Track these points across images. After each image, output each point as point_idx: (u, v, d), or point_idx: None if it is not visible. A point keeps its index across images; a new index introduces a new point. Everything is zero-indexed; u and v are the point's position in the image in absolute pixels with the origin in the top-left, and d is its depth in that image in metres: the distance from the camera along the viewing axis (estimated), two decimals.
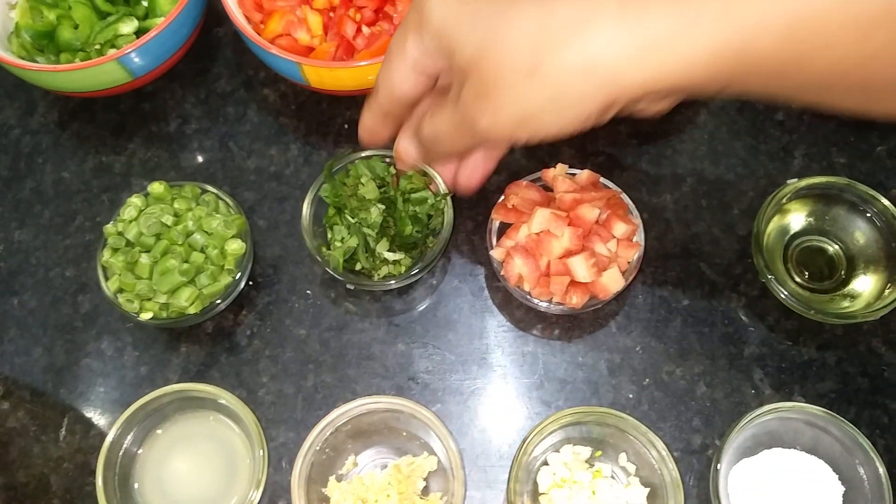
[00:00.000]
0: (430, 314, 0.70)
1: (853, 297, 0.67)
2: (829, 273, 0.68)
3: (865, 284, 0.67)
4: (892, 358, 0.67)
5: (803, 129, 0.75)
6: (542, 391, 0.67)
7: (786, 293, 0.64)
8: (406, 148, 0.63)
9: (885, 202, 0.66)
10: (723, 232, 0.71)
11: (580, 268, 0.63)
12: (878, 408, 0.65)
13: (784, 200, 0.67)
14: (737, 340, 0.68)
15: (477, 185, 0.65)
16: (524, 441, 0.60)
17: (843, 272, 0.68)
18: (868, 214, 0.68)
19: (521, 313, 0.69)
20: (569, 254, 0.63)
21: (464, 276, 0.71)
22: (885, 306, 0.63)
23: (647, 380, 0.67)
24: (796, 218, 0.69)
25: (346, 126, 0.77)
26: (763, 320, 0.68)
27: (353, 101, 0.78)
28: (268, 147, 0.77)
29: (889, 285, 0.65)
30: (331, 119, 0.77)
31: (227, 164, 0.76)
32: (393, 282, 0.66)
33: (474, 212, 0.73)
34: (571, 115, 0.47)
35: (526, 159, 0.75)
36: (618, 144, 0.75)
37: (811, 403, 0.64)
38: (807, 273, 0.68)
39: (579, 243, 0.63)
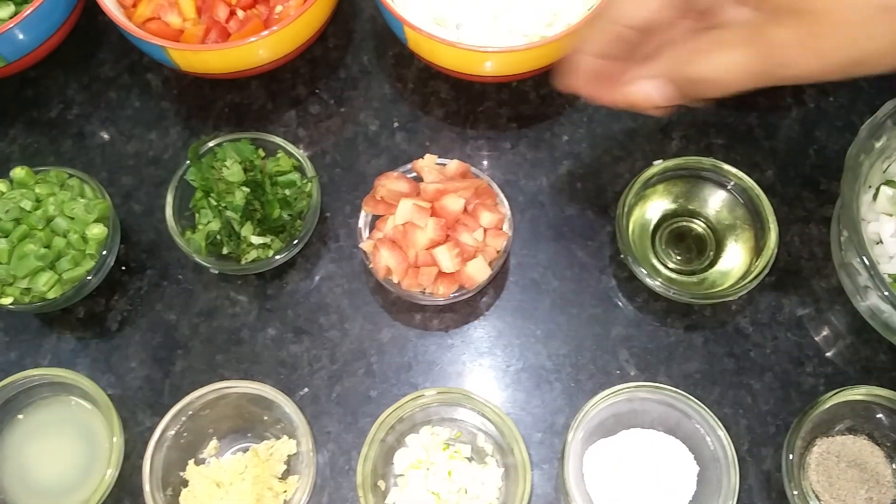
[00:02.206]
0: (303, 299, 0.69)
1: (723, 274, 0.67)
2: (698, 253, 0.69)
3: (733, 262, 0.67)
4: (758, 338, 0.67)
5: (682, 111, 0.75)
6: (410, 373, 0.67)
7: (644, 271, 0.64)
8: (657, 90, 0.49)
9: (748, 180, 0.66)
10: (597, 214, 0.71)
11: (444, 258, 0.63)
12: (743, 388, 0.66)
13: (650, 183, 0.67)
14: (604, 322, 0.68)
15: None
16: (378, 422, 0.60)
17: (711, 252, 0.68)
18: (734, 193, 0.68)
19: (394, 297, 0.69)
20: (434, 244, 0.63)
21: (340, 261, 0.71)
22: (747, 283, 0.63)
23: (514, 361, 0.67)
24: (664, 200, 0.69)
25: (226, 109, 0.77)
26: (632, 301, 0.69)
27: (235, 85, 0.77)
28: (148, 132, 0.76)
29: (754, 260, 0.66)
30: (212, 103, 0.77)
31: (107, 149, 0.76)
32: (254, 265, 0.66)
33: (352, 195, 0.73)
34: None
35: (407, 143, 0.75)
36: (498, 128, 0.75)
37: (677, 384, 0.65)
38: (677, 255, 0.69)
39: (443, 234, 0.63)
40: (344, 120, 0.76)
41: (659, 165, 0.66)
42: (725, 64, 0.45)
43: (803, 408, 0.60)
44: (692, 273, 0.68)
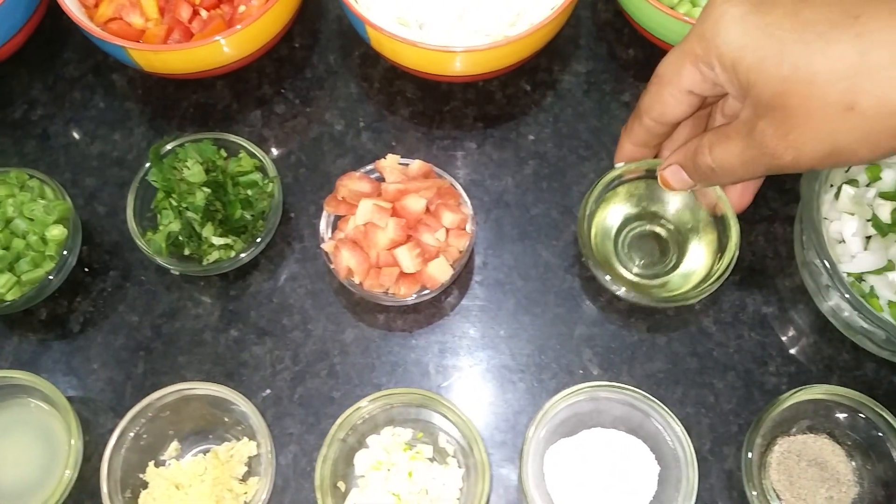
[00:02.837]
0: (267, 300, 0.69)
1: (685, 276, 0.67)
2: (661, 256, 0.68)
3: (696, 263, 0.67)
4: (722, 338, 0.67)
5: None
6: (373, 374, 0.67)
7: (607, 277, 0.63)
8: (676, 176, 0.58)
9: None
10: (561, 214, 0.71)
11: (405, 258, 0.62)
12: (705, 387, 0.66)
13: (611, 186, 0.67)
14: (568, 321, 0.68)
15: (750, 201, 0.63)
16: (337, 423, 0.60)
17: (675, 255, 0.68)
18: (695, 194, 0.68)
19: (357, 298, 0.69)
20: (395, 245, 0.63)
21: (304, 262, 0.71)
22: (708, 286, 0.63)
23: (478, 361, 0.67)
24: (626, 203, 0.69)
25: (191, 109, 0.76)
26: (596, 301, 0.68)
27: (200, 85, 0.77)
28: (112, 132, 0.76)
29: (717, 261, 0.65)
30: (177, 103, 0.77)
31: (71, 149, 0.75)
32: (216, 266, 0.65)
33: (317, 195, 0.73)
34: (886, 146, 0.45)
35: (372, 143, 0.75)
36: (464, 128, 0.75)
37: (639, 383, 0.65)
38: (640, 259, 0.68)
39: (404, 234, 0.63)
40: (309, 120, 0.75)
41: (620, 168, 0.66)
42: (725, 155, 0.52)
43: (765, 407, 0.60)
44: (655, 276, 0.68)
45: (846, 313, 0.63)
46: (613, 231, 0.68)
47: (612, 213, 0.68)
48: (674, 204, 0.68)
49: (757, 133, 0.49)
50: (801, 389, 0.60)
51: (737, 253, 0.63)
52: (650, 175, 0.68)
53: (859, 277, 0.65)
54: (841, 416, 0.62)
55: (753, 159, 0.50)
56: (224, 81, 0.77)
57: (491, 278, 0.70)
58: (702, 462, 0.63)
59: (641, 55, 0.77)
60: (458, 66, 0.67)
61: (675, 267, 0.68)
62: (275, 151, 0.74)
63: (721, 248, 0.65)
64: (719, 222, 0.66)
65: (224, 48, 0.67)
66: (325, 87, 0.77)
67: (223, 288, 0.70)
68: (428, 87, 0.76)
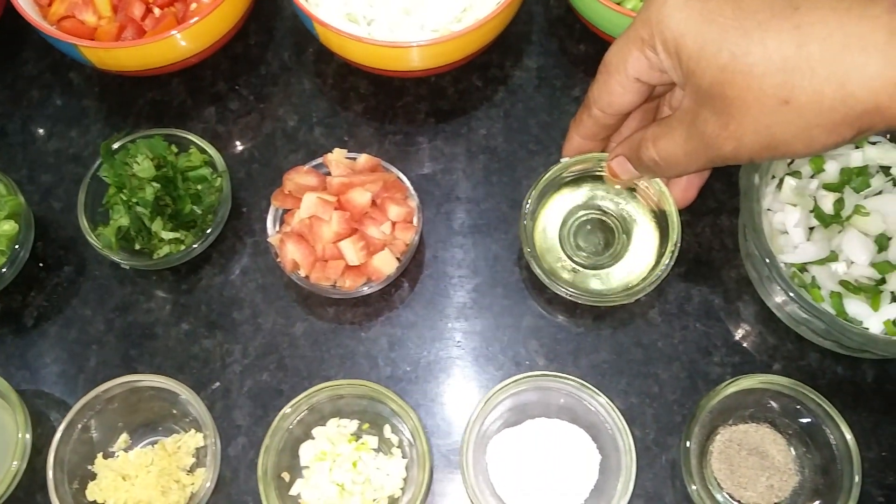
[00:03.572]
0: (217, 294, 0.70)
1: (629, 271, 0.68)
2: (605, 248, 0.69)
3: (639, 258, 0.68)
4: (667, 328, 0.68)
5: None
6: (322, 367, 0.67)
7: (546, 277, 0.63)
8: (622, 167, 0.59)
9: None
10: (511, 208, 0.72)
11: (349, 251, 0.63)
12: (650, 378, 0.66)
13: (554, 181, 0.67)
14: (516, 313, 0.68)
15: (694, 197, 0.62)
16: (280, 414, 0.61)
17: (620, 246, 0.69)
18: (639, 192, 0.68)
19: (307, 291, 0.70)
20: (340, 238, 0.64)
21: (255, 256, 0.71)
22: (647, 284, 0.63)
23: (425, 354, 0.68)
24: (571, 196, 0.69)
25: (147, 107, 0.77)
26: (543, 293, 0.69)
27: (156, 82, 0.78)
28: (69, 129, 0.77)
29: (660, 256, 0.66)
30: (132, 100, 0.77)
31: (28, 146, 0.76)
32: (166, 260, 0.66)
33: (269, 190, 0.72)
34: (822, 141, 0.45)
35: (325, 138, 0.75)
36: (416, 123, 0.76)
37: (585, 374, 0.66)
38: (585, 250, 0.69)
39: (348, 227, 0.64)
40: (263, 116, 0.76)
41: (565, 162, 0.66)
42: (669, 146, 0.52)
43: (703, 397, 0.61)
44: (600, 266, 0.68)
45: (788, 306, 0.63)
46: (560, 222, 0.69)
47: (559, 206, 0.69)
48: (618, 199, 0.69)
49: (699, 122, 0.48)
50: (737, 379, 0.60)
51: (677, 251, 0.63)
52: (596, 168, 0.69)
53: (802, 268, 0.66)
54: (782, 405, 0.62)
55: (696, 150, 0.50)
56: (179, 79, 0.78)
57: (440, 271, 0.70)
58: (646, 452, 0.64)
59: (592, 50, 0.78)
60: (405, 62, 0.68)
61: (619, 258, 0.68)
62: (228, 147, 0.75)
63: (663, 243, 0.66)
64: (662, 218, 0.66)
65: (176, 44, 0.68)
66: (279, 83, 0.78)
67: (175, 282, 0.70)
68: (381, 83, 0.77)
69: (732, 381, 0.60)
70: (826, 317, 0.59)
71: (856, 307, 0.64)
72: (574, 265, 0.68)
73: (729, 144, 0.48)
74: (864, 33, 0.42)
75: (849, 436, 0.59)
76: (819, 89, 0.43)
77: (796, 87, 0.43)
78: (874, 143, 0.69)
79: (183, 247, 0.67)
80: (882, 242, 0.65)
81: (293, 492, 0.61)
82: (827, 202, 0.66)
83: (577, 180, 0.69)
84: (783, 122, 0.45)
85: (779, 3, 0.44)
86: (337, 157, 0.67)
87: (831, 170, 0.68)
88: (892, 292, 0.64)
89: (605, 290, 0.65)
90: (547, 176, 0.65)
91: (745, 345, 0.67)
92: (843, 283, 0.64)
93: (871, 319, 0.63)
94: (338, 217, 0.63)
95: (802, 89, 0.43)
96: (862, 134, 0.45)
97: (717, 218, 0.71)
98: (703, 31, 0.46)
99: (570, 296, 0.63)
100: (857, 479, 0.58)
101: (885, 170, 0.69)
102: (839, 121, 0.44)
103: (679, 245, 0.62)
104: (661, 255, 0.66)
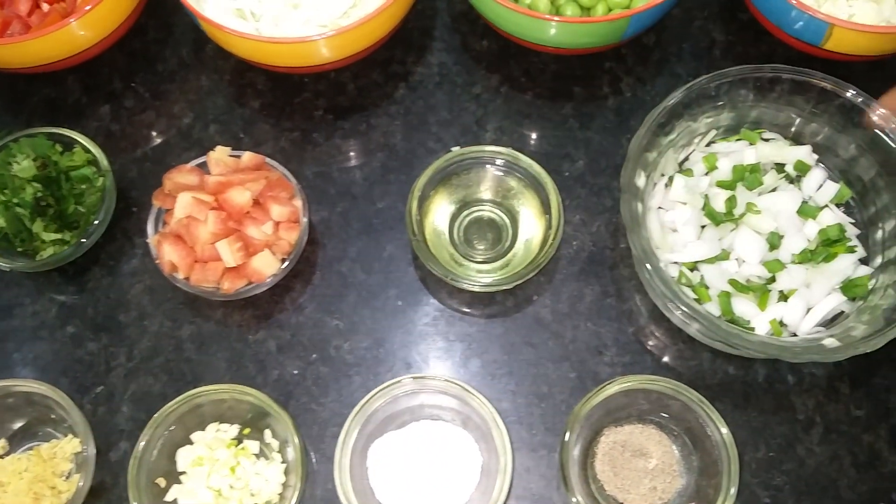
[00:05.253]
0: (104, 296, 0.69)
1: (527, 245, 0.67)
2: (497, 238, 0.68)
3: (531, 230, 0.67)
4: (558, 327, 0.67)
5: (499, 102, 0.75)
6: (207, 370, 0.66)
7: (430, 266, 0.63)
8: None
9: (528, 160, 0.66)
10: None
11: (225, 252, 0.62)
12: (540, 377, 0.66)
13: (436, 178, 0.66)
14: (410, 314, 0.68)
15: None
16: (153, 419, 0.60)
17: (510, 230, 0.68)
18: (519, 176, 0.67)
19: (195, 293, 0.68)
20: (217, 238, 0.62)
21: (144, 258, 0.70)
22: (548, 248, 0.63)
23: (315, 355, 0.67)
24: (455, 194, 0.69)
25: (41, 105, 0.76)
26: (437, 293, 0.68)
27: (51, 79, 0.76)
28: None
29: (548, 223, 0.66)
30: (26, 98, 0.76)
31: None
32: (50, 261, 0.65)
33: None
34: None
35: (220, 136, 0.74)
36: (313, 120, 0.74)
37: (474, 373, 0.65)
38: (480, 245, 0.68)
39: (226, 227, 0.62)
40: (158, 113, 0.75)
41: (447, 153, 0.65)
42: None
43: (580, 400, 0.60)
44: (501, 255, 0.67)
45: (668, 303, 0.63)
46: (447, 227, 0.68)
47: (441, 210, 0.68)
48: (489, 182, 0.68)
49: None
50: (615, 381, 0.60)
51: (559, 234, 0.63)
52: (477, 162, 0.68)
53: (692, 267, 0.65)
54: (665, 405, 0.62)
55: None
56: (75, 76, 0.76)
57: (333, 271, 0.69)
58: (533, 452, 0.63)
59: (495, 46, 0.77)
60: (291, 58, 0.67)
61: (515, 239, 0.68)
62: (122, 146, 0.73)
63: (546, 210, 0.65)
64: (540, 188, 0.66)
65: (61, 38, 0.67)
66: (177, 80, 0.76)
67: (62, 284, 0.69)
68: (279, 80, 0.75)
69: (610, 383, 0.59)
70: (703, 318, 0.59)
71: (743, 306, 0.63)
72: (464, 260, 0.67)
73: None
74: None
75: (728, 437, 0.58)
76: None
77: None
78: (768, 141, 0.69)
79: (67, 248, 0.66)
80: (774, 241, 0.65)
81: (169, 497, 0.60)
82: (719, 200, 0.66)
83: (454, 178, 0.68)
84: None
85: None
86: (218, 156, 0.66)
87: (724, 167, 0.67)
88: (780, 291, 0.64)
89: (495, 280, 0.64)
90: (425, 174, 0.65)
91: (636, 345, 0.66)
92: (732, 283, 0.63)
93: (758, 319, 0.63)
94: (214, 217, 0.62)
95: None
96: None
97: (612, 217, 0.70)
98: None
99: (452, 279, 0.63)
100: (732, 491, 0.57)
101: (780, 167, 0.69)
102: None
103: (559, 233, 0.62)
104: (548, 223, 0.65)
